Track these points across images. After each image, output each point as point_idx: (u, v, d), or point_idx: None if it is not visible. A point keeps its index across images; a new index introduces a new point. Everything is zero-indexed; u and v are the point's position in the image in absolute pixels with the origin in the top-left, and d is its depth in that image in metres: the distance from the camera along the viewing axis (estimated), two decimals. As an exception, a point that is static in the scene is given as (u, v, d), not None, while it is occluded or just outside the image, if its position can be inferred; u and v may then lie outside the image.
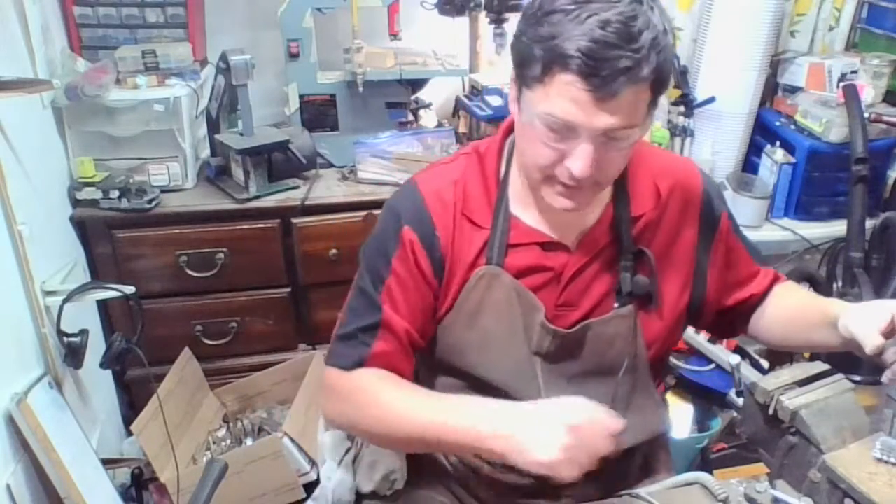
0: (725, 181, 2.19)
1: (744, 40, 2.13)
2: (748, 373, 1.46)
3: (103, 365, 1.83)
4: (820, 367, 1.08)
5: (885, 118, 2.10)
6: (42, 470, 1.52)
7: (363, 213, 2.05)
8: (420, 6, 2.24)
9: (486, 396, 1.12)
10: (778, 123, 2.26)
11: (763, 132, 2.29)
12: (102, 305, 2.04)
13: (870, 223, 2.05)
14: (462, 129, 2.44)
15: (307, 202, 2.04)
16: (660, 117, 2.22)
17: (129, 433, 1.94)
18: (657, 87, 0.92)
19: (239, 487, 1.82)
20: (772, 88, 2.35)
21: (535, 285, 1.08)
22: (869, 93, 2.15)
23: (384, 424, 1.05)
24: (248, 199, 2.02)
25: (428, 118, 2.39)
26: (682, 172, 1.14)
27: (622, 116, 0.90)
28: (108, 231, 1.97)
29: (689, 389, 2.05)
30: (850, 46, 2.42)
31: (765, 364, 2.04)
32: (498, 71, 2.33)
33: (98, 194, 1.92)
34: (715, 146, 2.25)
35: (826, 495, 0.96)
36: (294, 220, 2.04)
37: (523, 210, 1.09)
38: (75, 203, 1.95)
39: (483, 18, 2.24)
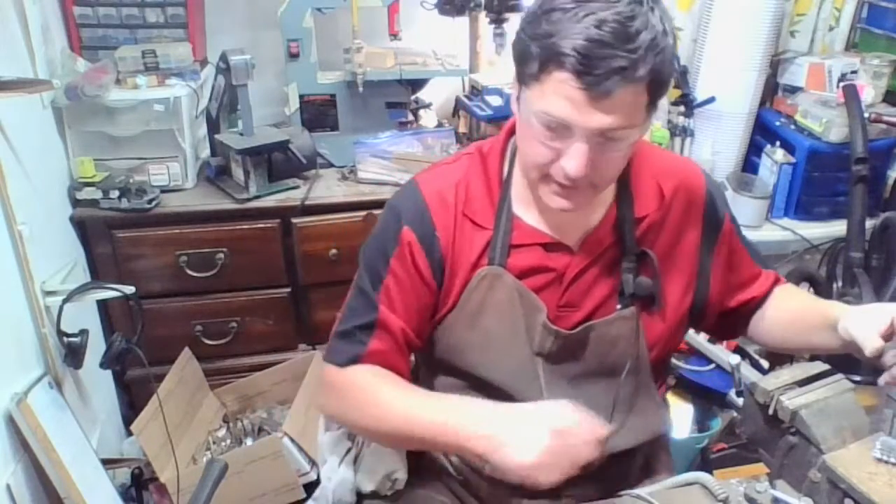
0: (725, 181, 2.19)
1: (744, 40, 2.13)
2: (748, 373, 1.46)
3: (103, 365, 1.83)
4: (820, 367, 1.08)
5: (885, 118, 2.10)
6: (42, 470, 1.52)
7: (363, 213, 2.05)
8: (420, 6, 2.24)
9: (488, 397, 1.12)
10: (778, 123, 2.26)
11: (763, 132, 2.29)
12: (102, 305, 2.04)
13: (870, 223, 2.05)
14: (462, 129, 2.45)
15: (307, 202, 2.04)
16: (660, 117, 2.23)
17: (129, 433, 1.94)
18: (655, 88, 0.91)
19: (239, 487, 1.82)
20: (772, 88, 2.35)
21: (537, 286, 1.08)
22: (869, 93, 2.15)
23: (377, 420, 1.07)
24: (248, 199, 2.02)
25: (428, 118, 2.39)
26: (685, 173, 1.14)
27: (617, 117, 0.90)
28: (108, 231, 1.97)
29: (689, 389, 2.05)
30: (850, 46, 2.42)
31: (765, 364, 2.04)
32: (498, 71, 2.33)
33: (98, 194, 1.92)
34: (715, 146, 2.25)
35: (826, 495, 0.96)
36: (294, 220, 2.04)
37: (526, 210, 1.09)
38: (75, 203, 1.95)
39: (483, 18, 2.24)
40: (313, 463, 1.87)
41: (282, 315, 2.16)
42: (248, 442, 2.04)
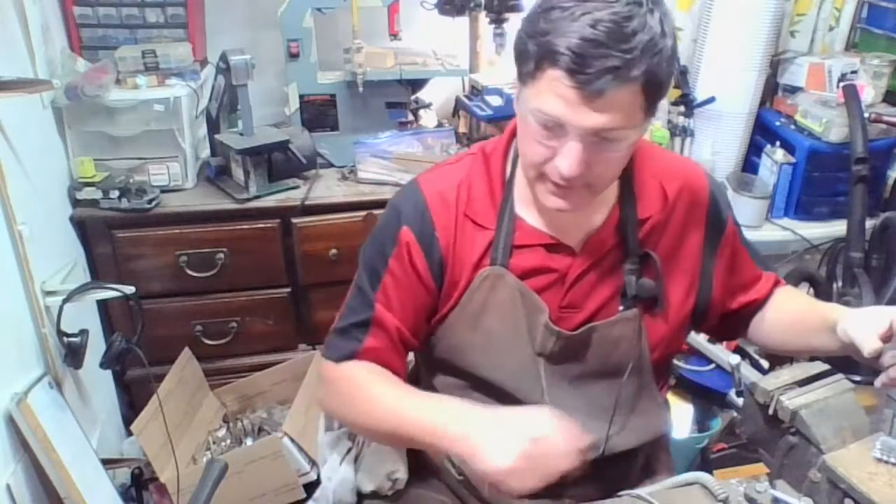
0: (725, 181, 2.19)
1: (744, 40, 2.13)
2: (748, 373, 1.46)
3: (103, 365, 1.83)
4: (820, 367, 1.08)
5: (885, 118, 2.10)
6: (42, 470, 1.52)
7: (363, 213, 2.05)
8: (420, 6, 2.24)
9: (489, 397, 1.13)
10: (778, 123, 2.26)
11: (763, 132, 2.29)
12: (102, 305, 2.04)
13: (870, 223, 2.05)
14: (462, 129, 2.45)
15: (307, 202, 2.04)
16: (660, 117, 2.22)
17: (129, 433, 1.94)
18: (651, 90, 0.90)
19: (239, 487, 1.82)
20: (772, 88, 2.35)
21: (539, 286, 1.08)
22: (869, 93, 2.15)
23: (365, 415, 1.08)
24: (248, 199, 2.02)
25: (428, 118, 2.39)
26: (688, 175, 1.14)
27: (611, 116, 0.90)
28: (108, 231, 1.97)
29: (689, 389, 2.05)
30: (850, 46, 2.42)
31: (765, 364, 2.04)
32: (498, 71, 2.33)
33: (98, 194, 1.92)
34: (715, 146, 2.25)
35: (826, 495, 0.96)
36: (294, 220, 2.04)
37: (528, 211, 1.09)
38: (75, 203, 1.95)
39: (483, 18, 2.24)
40: (313, 463, 1.87)
41: (282, 315, 2.16)
42: (248, 442, 2.04)
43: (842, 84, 2.16)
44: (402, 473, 1.23)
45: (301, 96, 2.20)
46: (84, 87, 1.85)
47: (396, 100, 2.28)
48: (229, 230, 2.02)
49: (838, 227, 2.13)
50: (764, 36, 2.12)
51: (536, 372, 1.10)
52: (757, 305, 1.22)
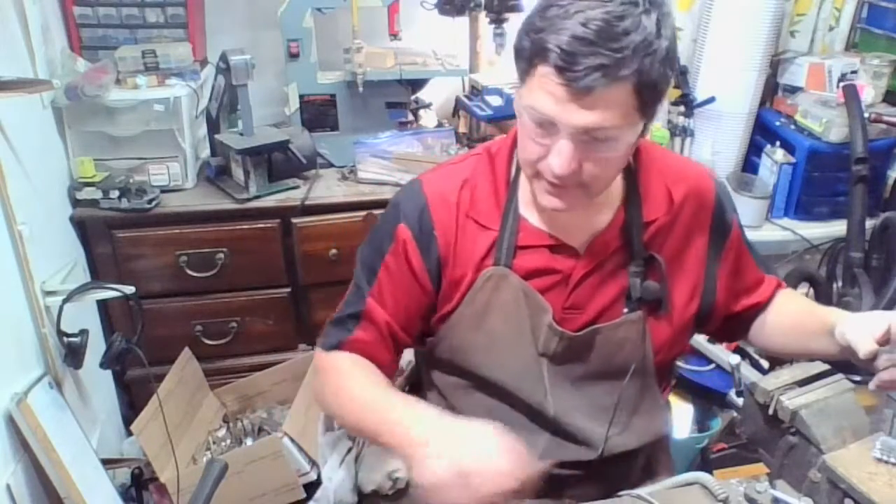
0: (725, 181, 2.19)
1: (744, 40, 2.13)
2: (748, 373, 1.46)
3: (103, 365, 1.83)
4: (820, 367, 1.08)
5: (885, 118, 2.10)
6: (42, 470, 1.52)
7: (363, 213, 2.05)
8: (420, 6, 2.24)
9: (491, 396, 1.13)
10: (778, 123, 2.26)
11: (763, 132, 2.29)
12: (102, 305, 2.04)
13: (870, 223, 2.05)
14: (462, 129, 2.45)
15: (307, 202, 2.04)
16: (660, 117, 2.22)
17: (129, 433, 1.94)
18: (644, 90, 0.90)
19: (239, 487, 1.82)
20: (772, 88, 2.35)
21: (542, 287, 1.08)
22: (869, 93, 2.15)
23: (339, 406, 1.10)
24: (248, 199, 2.02)
25: (428, 118, 2.39)
26: (695, 178, 1.13)
27: (601, 115, 0.89)
28: (108, 231, 1.97)
29: (689, 389, 2.05)
30: (850, 46, 2.42)
31: (765, 364, 2.04)
32: (498, 71, 2.33)
33: (98, 194, 1.92)
34: (715, 146, 2.25)
35: (826, 495, 0.96)
36: (294, 220, 2.04)
37: (532, 212, 1.09)
38: (75, 203, 1.95)
39: (483, 18, 2.24)
40: (313, 463, 1.87)
41: (282, 315, 2.16)
42: (248, 442, 2.04)
43: (842, 84, 2.16)
44: (402, 473, 1.23)
45: (301, 96, 2.20)
46: (84, 87, 1.85)
47: (396, 100, 2.28)
48: (229, 230, 2.02)
49: (838, 227, 2.13)
50: (764, 36, 2.12)
51: (539, 372, 1.10)
52: (759, 308, 1.22)
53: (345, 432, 1.31)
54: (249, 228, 2.03)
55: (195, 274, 2.03)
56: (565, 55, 0.86)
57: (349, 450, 1.30)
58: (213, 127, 2.12)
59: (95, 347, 1.82)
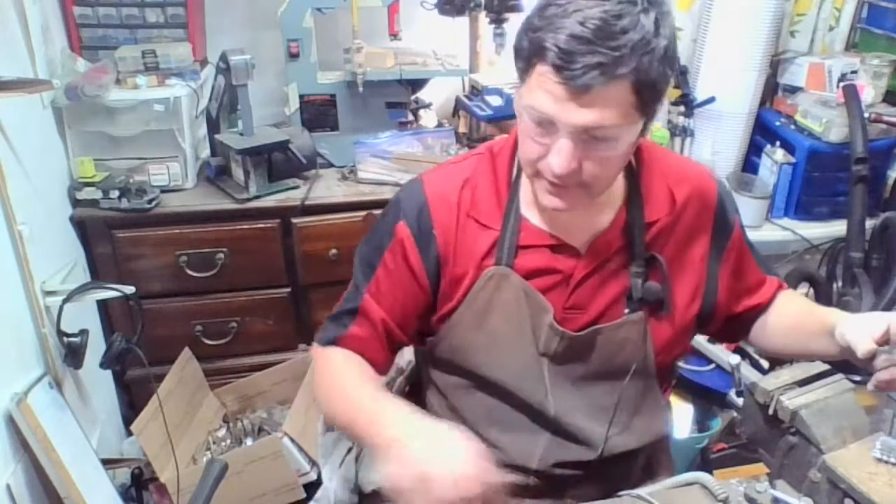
0: (725, 181, 2.19)
1: (744, 40, 2.13)
2: (748, 373, 1.46)
3: (103, 365, 1.83)
4: (820, 367, 1.08)
5: (885, 118, 2.10)
6: (42, 470, 1.52)
7: (363, 213, 2.05)
8: (420, 6, 2.24)
9: (492, 396, 1.13)
10: (778, 123, 2.26)
11: (763, 132, 2.29)
12: (102, 305, 2.04)
13: (870, 223, 2.05)
14: (462, 129, 2.45)
15: (307, 202, 2.04)
16: (660, 117, 2.22)
17: (129, 433, 1.94)
18: (643, 89, 0.90)
19: (239, 487, 1.82)
20: (772, 88, 2.35)
21: (543, 287, 1.08)
22: (869, 93, 2.15)
23: (328, 400, 1.10)
24: (248, 199, 2.02)
25: (428, 118, 2.39)
26: (698, 179, 1.13)
27: (600, 114, 0.89)
28: (108, 231, 1.97)
29: (689, 389, 2.05)
30: (850, 46, 2.42)
31: (765, 364, 2.04)
32: (498, 71, 2.33)
33: (98, 194, 1.92)
34: (715, 146, 2.25)
35: (826, 495, 0.96)
36: (294, 220, 2.04)
37: (533, 212, 1.09)
38: (75, 203, 1.95)
39: (483, 18, 2.24)
40: (313, 463, 1.87)
41: (282, 315, 2.16)
42: (248, 442, 2.04)
43: (842, 84, 2.16)
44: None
45: (301, 96, 2.20)
46: (84, 87, 1.85)
47: (396, 100, 2.28)
48: (229, 230, 2.02)
49: (838, 227, 2.14)
50: (764, 36, 2.12)
51: (540, 372, 1.10)
52: (760, 309, 1.22)
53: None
54: (249, 228, 2.03)
55: (195, 274, 2.03)
56: (563, 54, 0.87)
57: (349, 450, 1.30)
58: (213, 127, 2.12)
59: (95, 347, 1.82)
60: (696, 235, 1.12)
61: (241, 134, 2.03)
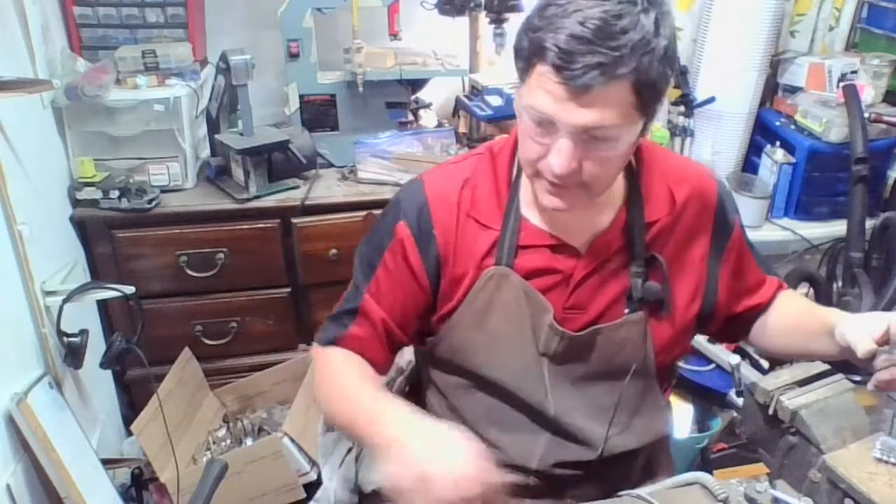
0: (725, 181, 2.19)
1: (744, 40, 2.13)
2: (748, 373, 1.46)
3: (103, 365, 1.83)
4: (820, 367, 1.08)
5: (885, 118, 2.10)
6: (42, 470, 1.52)
7: (363, 213, 2.05)
8: (420, 6, 2.24)
9: (492, 396, 1.13)
10: (778, 123, 2.26)
11: (763, 132, 2.29)
12: (102, 305, 2.04)
13: (870, 223, 2.05)
14: (462, 129, 2.45)
15: (307, 202, 2.04)
16: (660, 117, 2.22)
17: (129, 433, 1.94)
18: (643, 89, 0.90)
19: (239, 487, 1.82)
20: (772, 88, 2.35)
21: (543, 287, 1.08)
22: (869, 93, 2.15)
23: (327, 400, 1.10)
24: (248, 199, 2.02)
25: (428, 118, 2.39)
26: (698, 180, 1.13)
27: (600, 114, 0.89)
28: (108, 231, 1.97)
29: (689, 389, 2.05)
30: (850, 46, 2.42)
31: (765, 364, 2.04)
32: (498, 71, 2.33)
33: (98, 194, 1.92)
34: (715, 146, 2.25)
35: (826, 495, 0.96)
36: (294, 220, 2.04)
37: (533, 212, 1.09)
38: (75, 203, 1.95)
39: (483, 18, 2.24)
40: (313, 463, 1.87)
41: (282, 315, 2.16)
42: (248, 442, 2.04)
43: (842, 84, 2.16)
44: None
45: (301, 96, 2.20)
46: (84, 87, 1.85)
47: (396, 100, 2.28)
48: (229, 230, 2.02)
49: (838, 227, 2.14)
50: (764, 36, 2.12)
51: (540, 372, 1.10)
52: (760, 310, 1.21)
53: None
54: (249, 228, 2.03)
55: (195, 274, 2.03)
56: (563, 54, 0.87)
57: (349, 450, 1.30)
58: (213, 127, 2.12)
59: (95, 347, 1.82)
60: (696, 235, 1.12)
61: (241, 134, 2.03)
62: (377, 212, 1.94)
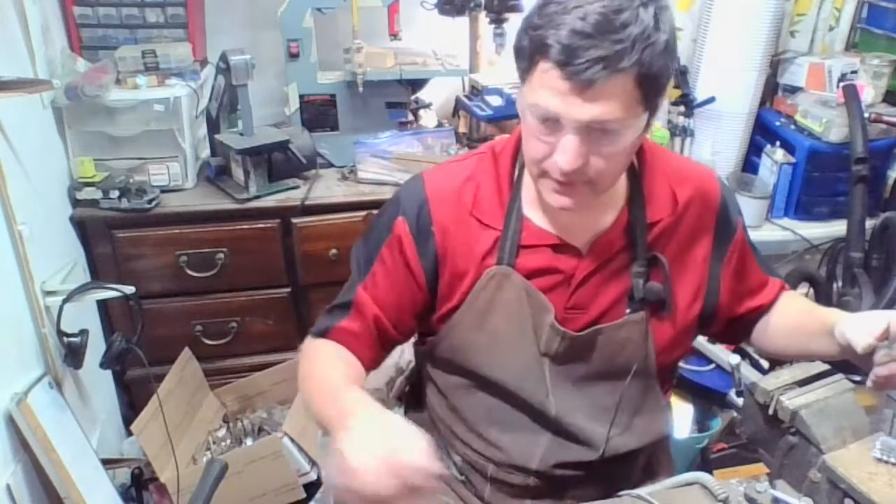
0: (725, 181, 2.19)
1: (744, 40, 2.13)
2: (748, 373, 1.47)
3: (103, 365, 1.83)
4: (820, 367, 1.08)
5: (885, 118, 2.10)
6: (42, 470, 1.52)
7: (363, 213, 2.05)
8: (420, 6, 2.24)
9: (493, 396, 1.13)
10: (778, 123, 2.26)
11: (763, 132, 2.29)
12: (102, 305, 2.04)
13: (870, 223, 2.05)
14: (462, 129, 2.45)
15: (307, 202, 2.04)
16: (660, 117, 2.22)
17: (129, 433, 1.94)
18: (646, 82, 0.90)
19: (239, 487, 1.82)
20: (772, 88, 2.35)
21: (544, 287, 1.08)
22: (869, 93, 2.15)
23: (306, 389, 1.09)
24: (248, 199, 2.02)
25: (428, 118, 2.39)
26: (700, 180, 1.13)
27: (605, 108, 0.89)
28: (108, 231, 1.97)
29: (689, 389, 2.05)
30: (850, 46, 2.42)
31: (765, 364, 2.04)
32: (498, 71, 2.33)
33: (98, 194, 1.92)
34: (715, 146, 2.25)
35: (826, 495, 0.96)
36: (294, 220, 2.04)
37: (535, 211, 1.09)
38: (75, 203, 1.95)
39: (483, 18, 2.24)
40: (313, 463, 1.87)
41: (282, 315, 2.16)
42: (248, 442, 2.04)
43: (842, 84, 2.16)
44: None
45: (301, 96, 2.21)
46: (84, 87, 1.85)
47: (396, 100, 2.28)
48: (229, 230, 2.02)
49: (838, 227, 2.13)
50: (764, 36, 2.11)
51: (541, 372, 1.10)
52: (762, 311, 1.21)
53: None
54: (249, 228, 2.03)
55: (195, 274, 2.03)
56: (566, 49, 0.87)
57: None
58: (213, 127, 2.12)
59: (95, 347, 1.82)
60: (698, 236, 1.12)
61: (241, 134, 2.03)
62: (377, 212, 1.95)
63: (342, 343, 1.12)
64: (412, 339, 1.33)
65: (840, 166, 2.08)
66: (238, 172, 2.03)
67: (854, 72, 2.22)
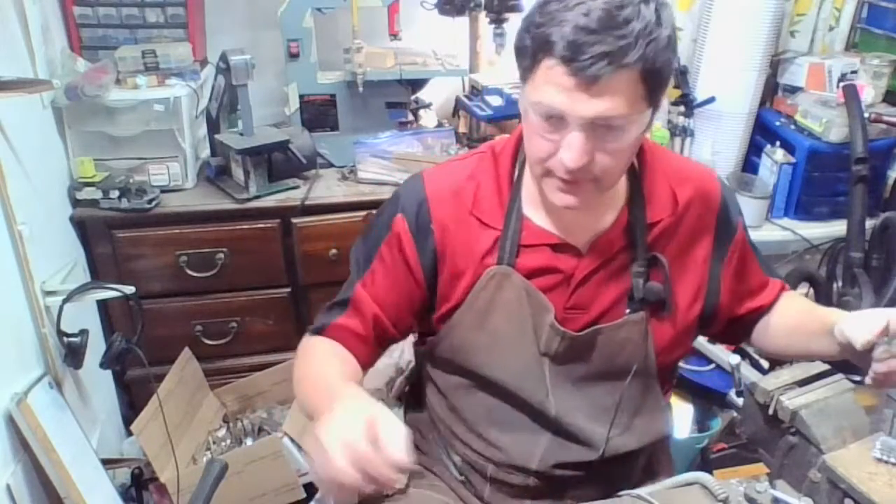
0: (725, 181, 2.19)
1: (744, 40, 2.13)
2: (748, 373, 1.47)
3: (103, 365, 1.83)
4: (820, 367, 1.08)
5: (885, 118, 2.10)
6: (42, 470, 1.52)
7: (363, 213, 2.05)
8: (420, 6, 2.24)
9: (493, 396, 1.13)
10: (778, 123, 2.26)
11: (763, 132, 2.29)
12: (102, 305, 2.04)
13: (870, 223, 2.05)
14: (462, 129, 2.45)
15: (307, 202, 2.04)
16: (660, 117, 2.22)
17: (129, 433, 1.94)
18: (650, 78, 0.90)
19: (239, 487, 1.82)
20: (772, 88, 2.35)
21: (544, 286, 1.08)
22: (869, 93, 2.15)
23: (297, 383, 1.10)
24: (248, 199, 2.02)
25: (428, 118, 2.39)
26: (701, 181, 1.13)
27: (610, 104, 0.90)
28: (108, 231, 1.97)
29: (689, 389, 2.05)
30: (850, 46, 2.42)
31: (765, 364, 2.04)
32: (498, 71, 2.33)
33: (98, 194, 1.92)
34: (715, 146, 2.25)
35: (826, 495, 0.96)
36: (294, 220, 2.04)
37: (535, 211, 1.09)
38: (75, 203, 1.95)
39: (483, 18, 2.24)
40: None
41: (282, 315, 2.16)
42: (248, 442, 2.04)
43: (842, 84, 2.16)
44: (403, 473, 1.22)
45: (301, 96, 2.20)
46: (84, 87, 1.85)
47: (396, 100, 2.27)
48: (229, 230, 2.02)
49: (838, 227, 2.13)
50: (764, 36, 2.12)
51: (541, 372, 1.10)
52: (762, 311, 1.21)
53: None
54: (249, 228, 2.03)
55: (195, 274, 2.03)
56: (570, 45, 0.87)
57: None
58: (213, 127, 2.12)
59: (95, 347, 1.82)
60: (698, 236, 1.12)
61: (241, 134, 2.03)
62: (377, 211, 1.95)
63: (339, 340, 1.12)
64: (412, 340, 1.34)
65: (840, 166, 2.08)
66: (238, 172, 2.03)
67: (854, 72, 2.22)
